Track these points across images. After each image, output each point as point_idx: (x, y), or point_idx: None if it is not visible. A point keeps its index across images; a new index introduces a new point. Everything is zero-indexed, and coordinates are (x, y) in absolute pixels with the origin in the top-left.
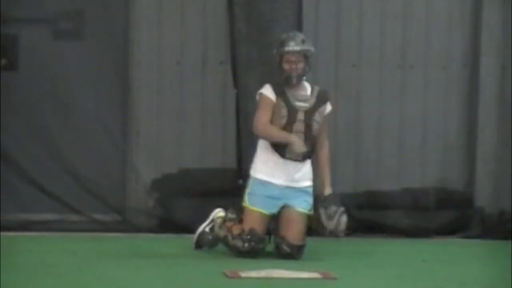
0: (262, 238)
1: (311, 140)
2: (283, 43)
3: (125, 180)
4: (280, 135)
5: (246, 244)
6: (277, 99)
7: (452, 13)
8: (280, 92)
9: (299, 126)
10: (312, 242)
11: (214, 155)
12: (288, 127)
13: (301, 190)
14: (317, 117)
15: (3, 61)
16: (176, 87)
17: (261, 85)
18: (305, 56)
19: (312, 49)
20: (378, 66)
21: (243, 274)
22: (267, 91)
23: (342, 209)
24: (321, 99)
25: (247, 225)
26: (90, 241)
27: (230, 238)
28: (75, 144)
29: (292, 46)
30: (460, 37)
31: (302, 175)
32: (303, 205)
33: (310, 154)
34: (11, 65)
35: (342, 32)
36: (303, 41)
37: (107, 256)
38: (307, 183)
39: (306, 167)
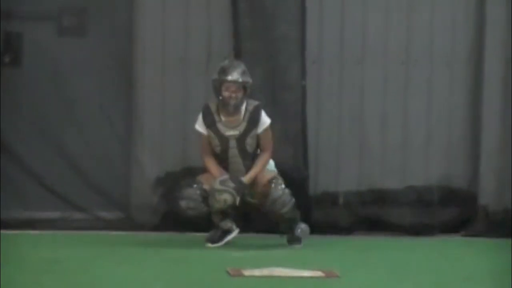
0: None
1: (248, 157)
2: (225, 72)
3: (129, 177)
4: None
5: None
6: (207, 131)
7: (456, 9)
8: (210, 123)
9: (233, 152)
10: (315, 240)
11: None
12: (223, 154)
13: None
14: (248, 141)
15: (8, 58)
16: (180, 83)
17: (265, 81)
18: (244, 87)
19: (251, 81)
20: (382, 63)
21: (246, 272)
22: (199, 126)
23: (234, 186)
24: (252, 123)
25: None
26: (94, 238)
27: None
28: (79, 141)
29: (234, 77)
30: (464, 33)
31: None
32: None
33: (252, 163)
34: (16, 62)
35: (346, 28)
36: (244, 72)
37: (111, 253)
38: None
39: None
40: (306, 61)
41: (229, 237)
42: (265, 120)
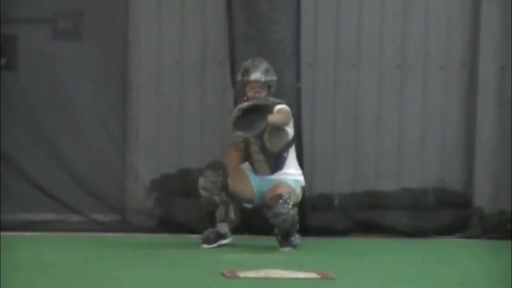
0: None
1: (271, 156)
2: (248, 72)
3: (125, 180)
4: None
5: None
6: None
7: (451, 13)
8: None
9: (254, 148)
10: (310, 243)
11: (213, 155)
12: (246, 151)
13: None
14: (266, 136)
15: (3, 61)
16: (175, 87)
17: None
18: (268, 85)
19: (275, 78)
20: (377, 66)
21: (241, 274)
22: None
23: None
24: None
25: None
26: (90, 241)
27: None
28: (74, 144)
29: (257, 76)
30: (459, 38)
31: (277, 173)
32: (288, 179)
33: (279, 164)
34: (11, 65)
35: (341, 31)
36: (267, 70)
37: (107, 256)
38: (285, 176)
39: (280, 172)
40: (301, 65)
41: (223, 242)
42: (279, 106)
